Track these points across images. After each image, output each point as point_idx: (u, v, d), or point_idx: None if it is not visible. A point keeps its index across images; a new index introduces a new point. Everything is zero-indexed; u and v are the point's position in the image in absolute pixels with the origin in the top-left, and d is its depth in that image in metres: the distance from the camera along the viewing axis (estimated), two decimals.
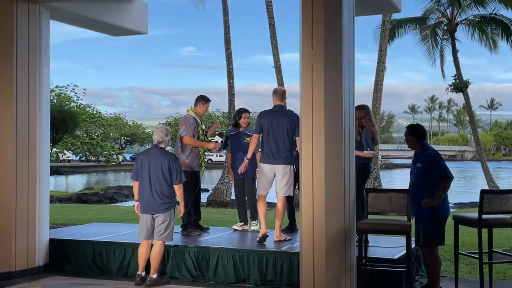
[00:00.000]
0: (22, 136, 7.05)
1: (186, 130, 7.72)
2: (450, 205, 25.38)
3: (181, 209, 6.75)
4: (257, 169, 7.87)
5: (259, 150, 7.40)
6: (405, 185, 6.33)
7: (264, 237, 6.97)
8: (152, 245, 6.65)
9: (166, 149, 6.71)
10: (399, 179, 50.03)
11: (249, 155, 7.32)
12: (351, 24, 5.95)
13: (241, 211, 8.43)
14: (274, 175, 7.04)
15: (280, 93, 7.22)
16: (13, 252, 6.95)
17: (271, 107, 7.23)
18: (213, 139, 8.02)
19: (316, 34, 5.61)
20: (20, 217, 7.02)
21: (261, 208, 7.19)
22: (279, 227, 7.13)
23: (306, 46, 5.64)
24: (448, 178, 5.91)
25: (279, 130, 7.00)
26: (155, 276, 6.55)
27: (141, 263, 6.64)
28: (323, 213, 5.55)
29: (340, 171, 5.66)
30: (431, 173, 5.91)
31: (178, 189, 6.64)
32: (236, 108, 9.46)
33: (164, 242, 6.61)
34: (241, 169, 7.40)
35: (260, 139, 7.19)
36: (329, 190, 5.59)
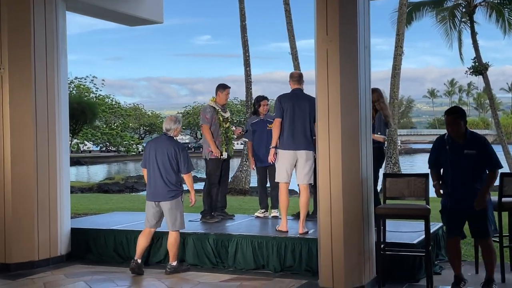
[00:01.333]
0: (41, 127, 7.14)
1: (203, 119, 7.96)
2: None
3: (191, 198, 6.69)
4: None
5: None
6: (425, 170, 6.13)
7: (283, 232, 6.78)
8: (153, 234, 6.73)
9: (175, 137, 6.67)
10: (419, 165, 49.72)
11: (273, 142, 6.99)
12: (366, 8, 5.90)
13: (263, 198, 8.43)
14: (296, 162, 6.85)
15: (296, 76, 7.03)
16: (35, 242, 7.06)
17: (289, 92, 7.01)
18: (232, 128, 8.04)
19: (331, 20, 5.57)
20: (42, 207, 7.12)
21: (283, 200, 6.92)
22: (303, 220, 6.80)
23: (321, 32, 5.61)
24: (500, 168, 5.57)
25: (300, 114, 6.79)
26: (175, 263, 6.58)
27: (139, 250, 6.64)
28: (340, 199, 5.54)
29: (357, 157, 5.64)
30: (485, 160, 5.46)
31: (187, 178, 6.64)
32: (254, 96, 9.47)
33: (179, 231, 6.62)
34: (271, 159, 7.12)
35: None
36: (346, 175, 5.57)
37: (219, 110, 7.96)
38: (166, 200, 6.51)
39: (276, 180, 7.12)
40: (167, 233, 6.90)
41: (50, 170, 7.22)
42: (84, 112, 14.85)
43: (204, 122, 7.88)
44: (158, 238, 7.13)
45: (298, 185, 7.08)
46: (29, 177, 7.04)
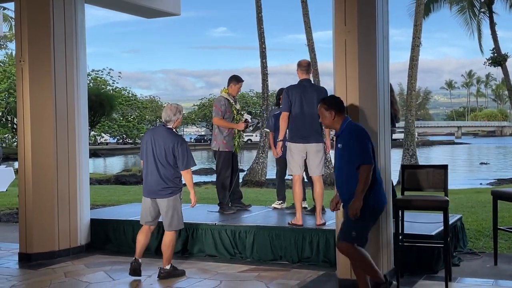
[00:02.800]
0: (61, 119, 7.21)
1: (216, 111, 7.91)
2: (490, 181, 25.08)
3: (192, 198, 6.12)
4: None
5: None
6: (442, 162, 6.09)
7: (298, 226, 6.73)
8: (152, 231, 6.35)
9: (174, 129, 6.10)
10: (435, 156, 49.44)
11: (281, 135, 7.00)
12: None
13: (281, 189, 8.42)
14: (306, 155, 6.80)
15: (304, 66, 6.90)
16: (56, 232, 7.15)
17: (296, 82, 6.91)
18: (242, 119, 7.99)
19: (349, 10, 5.54)
20: (62, 198, 7.21)
21: (297, 193, 6.81)
22: (319, 211, 6.76)
23: (339, 23, 5.59)
24: (366, 164, 4.78)
25: (309, 106, 6.67)
26: (168, 267, 6.10)
27: (138, 248, 6.18)
28: None
29: (375, 148, 5.60)
30: (353, 154, 4.82)
31: (186, 175, 6.00)
32: (270, 88, 9.50)
33: (175, 231, 6.15)
34: (278, 152, 7.19)
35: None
36: None
37: (232, 102, 7.97)
38: (162, 197, 5.98)
39: (288, 173, 7.11)
40: (186, 224, 6.93)
41: (70, 162, 7.30)
42: (102, 104, 14.95)
43: (217, 114, 7.86)
44: (159, 228, 7.18)
45: (310, 177, 7.05)
46: (49, 169, 7.12)
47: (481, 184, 24.07)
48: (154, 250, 7.10)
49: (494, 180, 25.21)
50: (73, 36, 7.36)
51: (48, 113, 7.12)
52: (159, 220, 6.29)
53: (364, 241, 4.94)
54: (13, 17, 7.07)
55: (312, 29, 22.39)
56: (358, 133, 4.93)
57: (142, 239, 6.19)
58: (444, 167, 5.88)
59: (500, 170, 32.99)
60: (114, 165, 45.27)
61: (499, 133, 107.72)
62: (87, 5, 7.92)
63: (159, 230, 6.89)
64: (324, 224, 6.73)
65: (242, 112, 8.06)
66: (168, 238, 6.08)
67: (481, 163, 39.56)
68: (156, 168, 5.95)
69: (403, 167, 6.12)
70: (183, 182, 6.10)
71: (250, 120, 8.00)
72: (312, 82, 6.95)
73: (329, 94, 6.91)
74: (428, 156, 48.28)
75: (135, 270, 6.08)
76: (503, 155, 52.68)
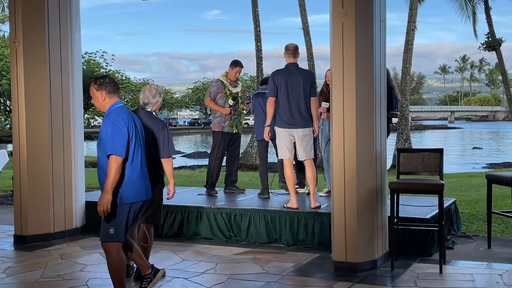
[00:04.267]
0: (56, 101, 7.17)
1: (207, 92, 8.21)
2: (483, 165, 25.15)
3: (170, 189, 5.39)
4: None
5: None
6: (435, 147, 6.09)
7: (293, 209, 6.73)
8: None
9: (154, 113, 5.39)
10: (429, 141, 49.62)
11: (268, 121, 6.95)
12: None
13: (264, 176, 8.36)
14: (294, 139, 6.79)
15: (291, 49, 6.81)
16: (51, 214, 7.15)
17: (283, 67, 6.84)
18: (227, 103, 7.98)
19: None
20: (57, 180, 7.20)
21: (289, 177, 6.82)
22: (313, 194, 6.78)
23: (337, 5, 5.55)
24: (116, 155, 4.31)
25: (295, 90, 6.64)
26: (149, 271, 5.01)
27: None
28: (354, 173, 5.55)
29: (372, 132, 5.63)
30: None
31: (167, 164, 5.26)
32: (265, 72, 9.52)
33: (152, 228, 5.41)
34: (266, 137, 7.17)
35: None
36: (361, 151, 5.56)
37: (228, 84, 8.04)
38: None
39: (279, 158, 7.12)
40: (182, 207, 6.96)
41: (64, 144, 7.27)
42: None
43: (207, 95, 8.18)
44: (172, 212, 7.20)
45: (301, 161, 7.04)
46: (44, 151, 7.09)
47: (474, 168, 24.20)
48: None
49: (487, 165, 25.37)
50: (68, 17, 7.29)
51: (43, 95, 7.08)
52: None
53: (123, 236, 4.53)
54: None
55: (307, 13, 22.28)
56: (115, 120, 4.36)
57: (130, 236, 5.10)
58: (440, 151, 5.90)
59: (492, 155, 33.17)
60: None
61: (492, 118, 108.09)
62: None
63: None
64: (319, 207, 6.76)
65: (234, 95, 8.06)
66: (145, 234, 5.33)
67: (474, 148, 39.76)
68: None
69: (399, 151, 6.14)
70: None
71: (232, 105, 7.97)
72: (299, 66, 6.87)
73: (316, 78, 6.92)
74: (421, 141, 48.44)
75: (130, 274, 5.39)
76: (496, 140, 52.92)
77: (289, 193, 7.37)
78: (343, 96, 5.58)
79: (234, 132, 8.09)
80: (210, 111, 8.30)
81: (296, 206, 6.76)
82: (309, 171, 6.87)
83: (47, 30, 7.07)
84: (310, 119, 6.81)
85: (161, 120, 5.42)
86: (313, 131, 6.92)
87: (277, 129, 6.87)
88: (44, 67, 7.06)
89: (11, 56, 7.14)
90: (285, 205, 6.88)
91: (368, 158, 5.62)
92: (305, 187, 7.92)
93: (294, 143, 6.83)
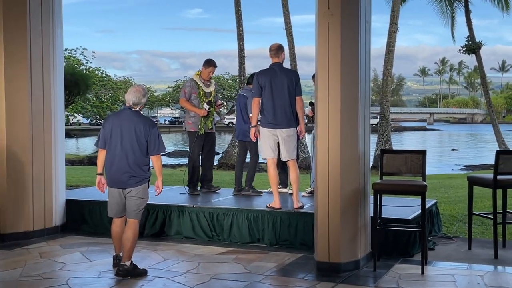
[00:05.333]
0: (37, 98, 7.07)
1: (181, 92, 8.15)
2: (461, 166, 25.47)
3: (159, 185, 5.61)
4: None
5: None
6: (415, 148, 6.13)
7: (276, 209, 6.72)
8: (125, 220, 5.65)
9: (141, 112, 5.63)
10: (408, 142, 50.02)
11: (253, 121, 6.94)
12: None
13: (240, 176, 8.25)
14: (277, 138, 6.77)
15: (273, 50, 6.77)
16: (31, 212, 7.05)
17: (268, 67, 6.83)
18: (203, 106, 7.94)
19: None
20: (37, 178, 7.10)
21: (272, 176, 6.82)
22: (296, 194, 6.80)
23: (323, 6, 5.55)
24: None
25: (279, 91, 6.63)
26: (128, 263, 5.46)
27: (117, 243, 5.67)
28: (338, 174, 5.56)
29: (356, 132, 5.65)
30: None
31: (156, 161, 5.53)
32: (247, 71, 9.50)
33: (138, 221, 5.58)
34: (252, 137, 7.12)
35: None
36: (345, 151, 5.58)
37: (201, 84, 7.99)
38: (132, 187, 5.46)
39: (262, 157, 7.09)
40: (163, 206, 6.91)
41: (45, 141, 7.18)
42: (78, 83, 14.73)
43: (182, 95, 8.09)
44: (154, 211, 7.15)
45: (285, 162, 7.06)
46: (25, 148, 7.00)
47: (452, 170, 24.46)
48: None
49: (464, 166, 25.66)
50: (50, 13, 7.20)
51: (23, 93, 6.98)
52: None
53: None
54: None
55: (290, 13, 22.29)
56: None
57: (118, 231, 5.64)
58: (423, 152, 5.94)
59: (470, 157, 33.55)
60: (87, 145, 44.77)
61: (470, 120, 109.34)
62: None
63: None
64: (302, 207, 6.76)
65: (204, 99, 7.98)
66: (132, 229, 5.49)
67: (452, 150, 40.19)
68: (125, 155, 5.42)
69: (382, 152, 6.16)
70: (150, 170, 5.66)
71: (207, 110, 7.93)
72: (283, 65, 6.85)
73: (300, 77, 6.91)
74: (400, 142, 48.81)
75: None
76: (473, 142, 53.55)
77: (272, 193, 7.44)
78: (328, 96, 5.58)
79: (200, 133, 8.00)
80: (184, 111, 8.19)
81: (279, 206, 6.75)
82: (293, 172, 6.87)
83: (29, 26, 6.97)
84: (294, 119, 6.79)
85: (149, 119, 5.64)
86: (298, 131, 6.89)
87: (261, 129, 6.86)
88: (25, 64, 6.97)
89: None
90: (268, 205, 6.86)
91: (352, 158, 5.64)
92: (288, 187, 7.91)
93: (278, 143, 6.82)
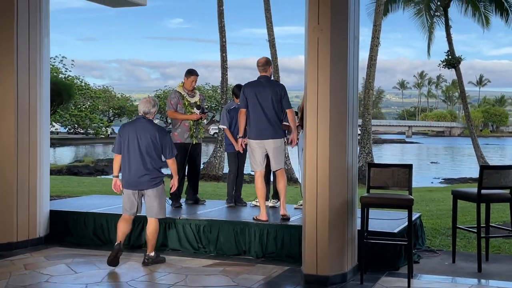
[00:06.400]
0: (23, 107, 7.02)
1: (168, 105, 8.07)
2: (441, 179, 25.78)
3: (174, 183, 6.46)
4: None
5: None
6: (394, 160, 6.21)
7: (263, 221, 6.73)
8: (133, 220, 6.44)
9: (154, 121, 6.39)
10: (387, 155, 50.44)
11: (240, 132, 7.05)
12: None
13: (231, 189, 8.27)
14: (265, 150, 6.82)
15: (260, 65, 6.88)
16: (14, 223, 6.97)
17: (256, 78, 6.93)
18: (193, 111, 7.97)
19: (323, 8, 5.57)
20: (21, 188, 7.03)
21: (260, 189, 6.87)
22: (283, 202, 6.88)
23: (313, 21, 5.62)
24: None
25: (264, 102, 6.70)
26: (153, 254, 6.32)
27: (121, 234, 6.29)
28: (327, 187, 5.60)
29: (344, 146, 5.70)
30: None
31: (172, 164, 6.34)
32: (230, 82, 9.48)
33: (158, 218, 6.34)
34: (239, 148, 7.26)
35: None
36: (333, 164, 5.62)
37: (185, 95, 7.99)
38: (149, 188, 6.19)
39: (250, 170, 7.10)
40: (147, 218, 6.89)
41: (30, 152, 7.11)
42: (60, 93, 14.61)
43: (169, 108, 8.00)
44: (140, 222, 7.11)
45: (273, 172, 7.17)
46: (9, 158, 6.93)
47: (432, 183, 24.72)
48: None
49: (444, 180, 25.95)
50: (37, 23, 7.16)
51: (9, 101, 6.93)
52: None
53: None
54: None
55: (273, 25, 22.41)
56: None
57: (125, 226, 6.32)
58: (409, 167, 6.01)
59: (449, 170, 33.95)
60: (65, 155, 44.38)
61: (448, 134, 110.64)
62: None
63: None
64: (288, 219, 6.79)
65: (192, 105, 8.00)
66: (153, 225, 6.29)
67: (432, 162, 40.62)
68: (142, 160, 6.10)
69: (369, 165, 6.22)
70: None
71: (198, 114, 7.94)
72: (271, 78, 6.97)
73: (287, 90, 6.95)
74: (380, 154, 49.14)
75: (116, 256, 6.09)
76: (452, 155, 54.18)
77: (257, 206, 7.56)
78: (317, 109, 5.64)
79: (194, 143, 8.02)
80: (171, 122, 8.11)
81: (265, 218, 6.77)
82: (281, 181, 6.94)
83: (16, 36, 6.93)
84: (280, 130, 6.85)
85: (161, 126, 6.40)
86: (289, 140, 6.94)
87: (249, 141, 6.90)
88: (12, 72, 6.92)
89: None
90: (254, 217, 6.87)
91: (340, 170, 5.69)
92: (269, 200, 7.92)
93: (266, 154, 6.86)
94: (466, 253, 7.12)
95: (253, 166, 6.93)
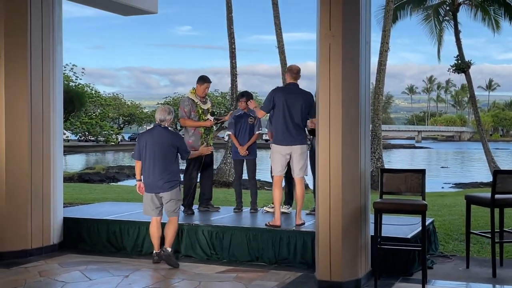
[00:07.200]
0: (36, 115, 7.07)
1: (180, 112, 8.01)
2: (451, 184, 25.60)
3: (201, 149, 7.55)
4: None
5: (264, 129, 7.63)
6: (404, 165, 6.18)
7: (276, 227, 6.78)
8: (161, 222, 6.74)
9: (169, 128, 6.67)
10: (397, 160, 50.26)
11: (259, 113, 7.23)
12: (368, 4, 5.95)
13: (239, 193, 8.28)
14: (289, 156, 6.89)
15: (295, 72, 7.02)
16: (29, 230, 7.01)
17: (283, 85, 7.14)
18: (207, 118, 8.00)
19: (334, 15, 5.59)
20: (35, 195, 7.07)
21: (277, 194, 6.90)
22: (299, 211, 6.91)
23: (324, 27, 5.64)
24: None
25: (294, 108, 6.80)
26: (170, 249, 6.58)
27: (156, 241, 6.67)
28: (340, 192, 5.60)
29: (357, 151, 5.70)
30: None
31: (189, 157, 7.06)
32: (239, 89, 9.50)
33: (177, 217, 6.70)
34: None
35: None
36: (346, 169, 5.62)
37: (198, 102, 7.99)
38: (166, 191, 6.51)
39: (271, 174, 7.14)
40: (162, 224, 6.97)
41: (44, 159, 7.16)
42: (72, 101, 14.72)
43: (182, 115, 7.96)
44: (135, 227, 7.19)
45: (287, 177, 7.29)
46: (23, 166, 6.98)
47: (442, 188, 24.59)
48: (130, 250, 7.10)
49: (454, 184, 25.80)
50: (50, 31, 7.23)
51: (23, 110, 6.98)
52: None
53: None
54: None
55: (282, 32, 22.45)
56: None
57: (155, 231, 6.67)
58: (422, 172, 6.00)
59: (459, 175, 33.77)
60: (76, 162, 44.58)
61: (457, 138, 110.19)
62: (64, 0, 7.78)
63: (139, 232, 6.96)
64: (303, 224, 6.81)
65: (206, 112, 8.02)
66: (172, 223, 6.64)
67: (442, 167, 40.44)
68: (159, 165, 6.47)
69: (382, 171, 6.21)
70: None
71: (212, 120, 7.96)
72: (299, 86, 7.06)
73: (312, 95, 6.99)
74: (389, 160, 48.98)
75: (158, 262, 6.61)
76: (462, 160, 53.91)
77: (269, 212, 7.73)
78: (329, 115, 5.65)
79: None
80: (184, 130, 8.08)
81: (279, 224, 6.78)
82: (299, 189, 6.96)
83: (29, 43, 6.99)
84: (305, 137, 6.96)
85: (176, 132, 6.89)
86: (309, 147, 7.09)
87: (274, 146, 6.94)
88: (25, 80, 6.98)
89: None
90: (268, 223, 6.88)
91: (353, 176, 5.69)
92: (281, 206, 7.89)
93: (290, 160, 6.91)
94: (480, 258, 7.08)
95: (275, 170, 6.97)
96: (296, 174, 6.96)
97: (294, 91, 6.91)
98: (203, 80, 8.06)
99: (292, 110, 6.80)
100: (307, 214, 7.61)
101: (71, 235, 7.56)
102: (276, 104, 6.85)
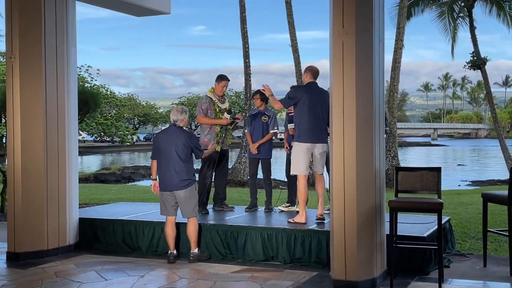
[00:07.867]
0: (51, 116, 7.12)
1: (198, 110, 8.09)
2: (468, 182, 25.46)
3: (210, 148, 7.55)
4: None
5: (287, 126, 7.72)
6: (420, 163, 6.13)
7: (301, 224, 6.82)
8: (176, 222, 6.84)
9: (184, 127, 6.77)
10: (413, 158, 49.96)
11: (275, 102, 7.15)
12: (381, 1, 5.91)
13: (254, 191, 8.32)
14: (312, 154, 6.95)
15: (315, 72, 7.09)
16: (45, 231, 7.06)
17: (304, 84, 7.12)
18: (223, 116, 8.01)
19: (347, 12, 5.56)
20: (51, 196, 7.12)
21: (303, 193, 6.94)
22: (321, 203, 7.05)
23: (337, 25, 5.61)
24: None
25: (318, 107, 6.87)
26: (196, 250, 6.72)
27: (171, 241, 6.75)
28: (354, 191, 5.57)
29: (371, 149, 5.67)
30: None
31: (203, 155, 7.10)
32: (253, 88, 9.55)
33: (196, 217, 6.75)
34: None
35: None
36: (361, 168, 5.59)
37: (216, 100, 8.02)
38: (181, 189, 6.62)
39: (293, 173, 7.10)
40: (160, 223, 7.02)
41: (59, 160, 7.21)
42: (87, 102, 14.77)
43: (199, 112, 8.01)
44: (150, 228, 7.22)
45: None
46: (39, 167, 7.03)
47: (459, 185, 24.39)
48: (145, 250, 7.13)
49: (471, 182, 25.57)
50: (64, 32, 7.27)
51: (38, 111, 7.03)
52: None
53: None
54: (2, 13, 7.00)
55: (296, 31, 22.41)
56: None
57: (169, 231, 6.75)
58: (438, 170, 5.94)
59: (476, 172, 33.48)
60: (92, 163, 44.88)
61: (474, 135, 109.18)
62: (77, 2, 7.82)
63: (154, 232, 6.97)
64: (323, 218, 6.89)
65: (223, 111, 8.03)
66: (193, 224, 6.71)
67: (459, 165, 40.10)
68: (174, 164, 6.60)
69: (397, 169, 6.17)
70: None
71: (228, 118, 7.97)
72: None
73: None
74: (405, 158, 48.70)
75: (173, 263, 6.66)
76: (478, 157, 53.42)
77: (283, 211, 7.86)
78: (343, 114, 5.61)
79: (217, 149, 8.01)
80: (200, 129, 8.16)
81: (304, 221, 6.85)
82: (320, 184, 7.08)
83: (44, 45, 7.04)
84: (327, 135, 6.96)
85: (190, 131, 7.01)
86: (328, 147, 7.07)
87: (297, 144, 6.95)
88: (40, 82, 7.02)
89: (7, 71, 7.08)
90: (292, 220, 6.94)
91: (368, 175, 5.65)
92: (296, 205, 7.94)
93: (312, 157, 6.99)
94: (497, 256, 7.01)
95: (298, 169, 6.96)
96: (317, 169, 7.06)
97: (318, 90, 6.98)
98: (221, 78, 8.12)
99: (318, 108, 6.87)
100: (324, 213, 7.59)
101: (86, 235, 7.60)
102: (300, 102, 6.88)
